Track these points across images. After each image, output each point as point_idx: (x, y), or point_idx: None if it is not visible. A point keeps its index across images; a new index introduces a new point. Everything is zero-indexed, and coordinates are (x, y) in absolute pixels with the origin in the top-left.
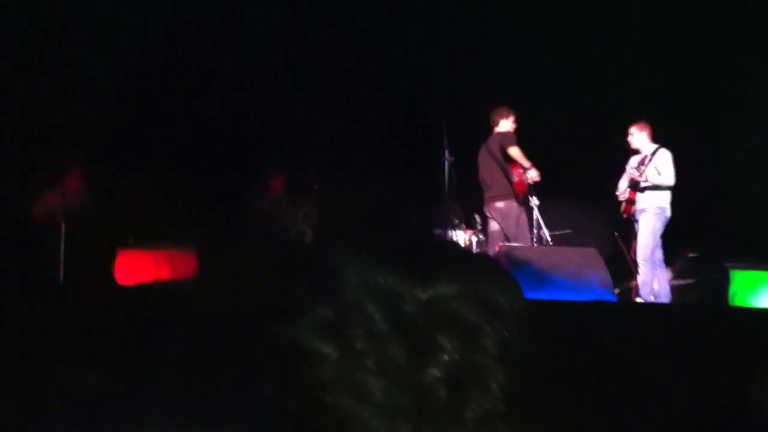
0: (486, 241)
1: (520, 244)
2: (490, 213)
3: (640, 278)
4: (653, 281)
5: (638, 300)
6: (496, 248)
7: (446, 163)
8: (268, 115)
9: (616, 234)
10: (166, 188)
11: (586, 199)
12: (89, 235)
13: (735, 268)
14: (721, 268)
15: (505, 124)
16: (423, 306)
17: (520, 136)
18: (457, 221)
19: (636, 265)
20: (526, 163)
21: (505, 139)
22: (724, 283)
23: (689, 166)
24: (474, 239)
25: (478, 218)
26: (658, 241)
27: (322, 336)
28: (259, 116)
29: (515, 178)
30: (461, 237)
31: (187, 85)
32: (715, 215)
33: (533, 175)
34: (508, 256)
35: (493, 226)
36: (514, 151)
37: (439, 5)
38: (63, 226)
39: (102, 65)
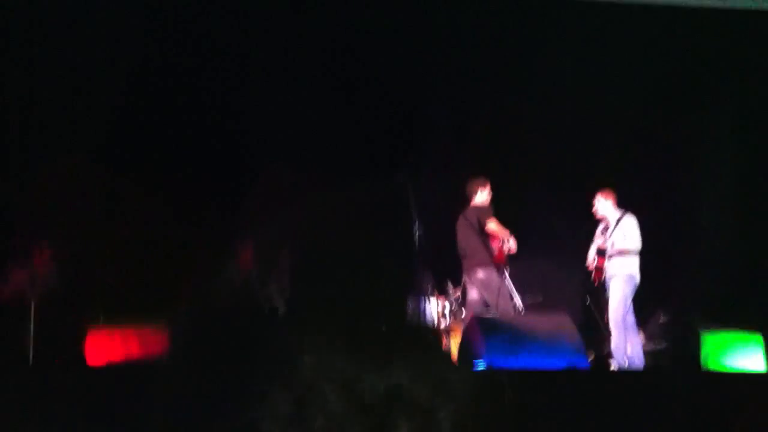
0: (462, 309)
1: (491, 313)
2: (469, 281)
3: (613, 344)
4: (626, 346)
5: (612, 366)
6: (468, 318)
7: (416, 232)
8: (238, 188)
9: (588, 301)
10: (136, 264)
11: (558, 266)
12: (59, 315)
13: (706, 330)
14: (692, 331)
15: (482, 195)
16: (379, 391)
17: (495, 205)
18: (429, 289)
19: (609, 331)
20: (505, 234)
21: (483, 213)
22: (696, 345)
23: (658, 230)
24: (447, 306)
25: (450, 285)
26: (629, 306)
27: (282, 422)
28: (228, 190)
29: (495, 250)
30: (434, 305)
31: (151, 161)
32: (684, 278)
33: (513, 245)
34: (480, 325)
35: (473, 294)
36: (493, 226)
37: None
38: (32, 306)
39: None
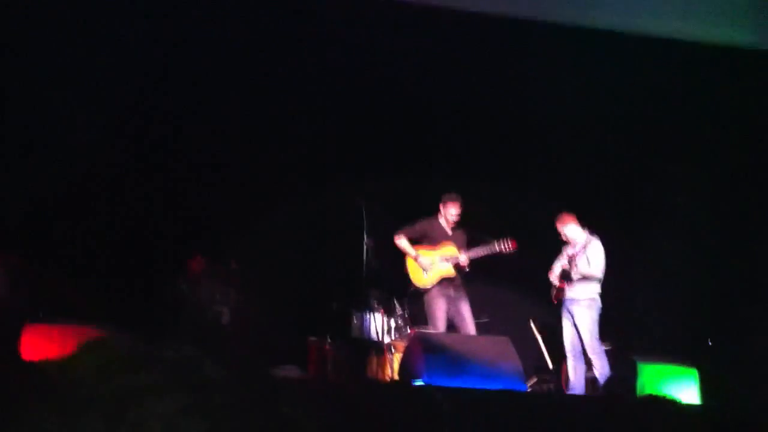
0: (408, 326)
1: (434, 330)
2: None
3: (597, 370)
4: (607, 367)
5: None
6: (411, 333)
7: (365, 247)
8: (189, 193)
9: (532, 323)
10: (80, 263)
11: (507, 288)
12: None
13: (643, 361)
14: (629, 361)
15: (446, 210)
16: None
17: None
18: (376, 305)
19: (586, 360)
20: (409, 252)
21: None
22: (632, 375)
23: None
24: (393, 323)
25: (396, 303)
26: (598, 332)
27: None
28: (179, 193)
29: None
30: (379, 320)
31: (108, 159)
32: (625, 309)
33: (425, 263)
34: (422, 342)
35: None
36: (397, 241)
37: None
38: None
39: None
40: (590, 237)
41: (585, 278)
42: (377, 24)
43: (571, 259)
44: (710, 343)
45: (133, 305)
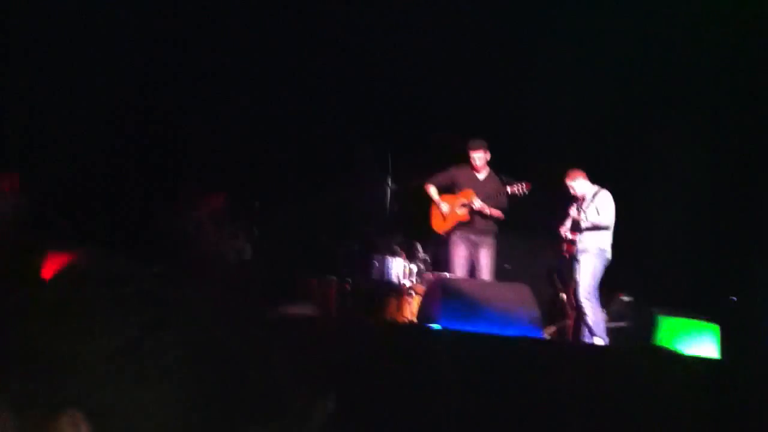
0: (429, 271)
1: (453, 275)
2: None
3: (589, 318)
4: (601, 318)
5: (596, 340)
6: (431, 277)
7: (388, 190)
8: (210, 133)
9: (554, 275)
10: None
11: (530, 238)
12: (19, 236)
13: (662, 313)
14: (648, 313)
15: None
16: None
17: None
18: (397, 248)
19: (578, 305)
20: (433, 199)
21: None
22: (651, 327)
23: (622, 213)
24: (414, 268)
25: (419, 248)
26: (598, 282)
27: None
28: (200, 134)
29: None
30: (400, 264)
31: (127, 95)
32: (646, 261)
33: (445, 210)
34: (440, 286)
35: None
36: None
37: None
38: None
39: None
40: (599, 188)
41: (594, 228)
42: None
43: (581, 210)
44: (733, 299)
45: (149, 236)
